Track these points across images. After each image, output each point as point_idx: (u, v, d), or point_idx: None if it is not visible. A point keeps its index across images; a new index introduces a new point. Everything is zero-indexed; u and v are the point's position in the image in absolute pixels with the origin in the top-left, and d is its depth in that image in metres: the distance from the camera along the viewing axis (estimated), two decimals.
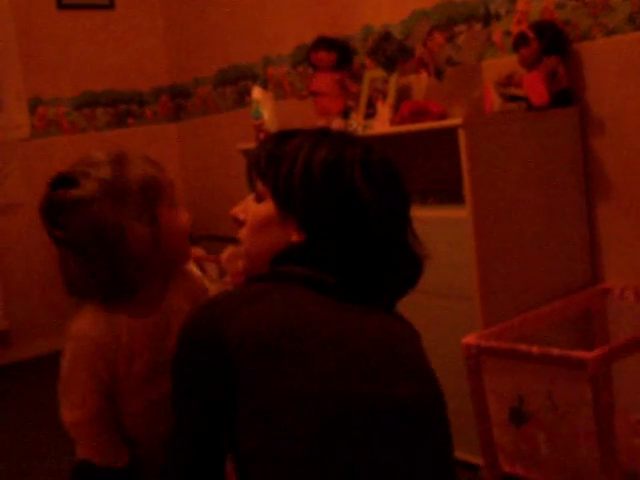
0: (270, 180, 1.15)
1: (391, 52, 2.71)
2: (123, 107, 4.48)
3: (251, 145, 2.94)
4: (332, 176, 1.11)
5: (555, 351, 1.83)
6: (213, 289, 1.77)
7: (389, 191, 1.14)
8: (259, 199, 1.18)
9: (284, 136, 1.19)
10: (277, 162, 1.15)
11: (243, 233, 1.22)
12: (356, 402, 0.99)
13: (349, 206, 1.10)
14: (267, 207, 1.16)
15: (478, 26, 2.69)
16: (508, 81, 2.39)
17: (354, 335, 1.05)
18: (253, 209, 1.19)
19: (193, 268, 1.52)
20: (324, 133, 1.17)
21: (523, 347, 1.90)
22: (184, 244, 1.35)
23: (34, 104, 4.18)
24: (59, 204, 1.32)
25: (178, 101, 4.58)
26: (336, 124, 2.90)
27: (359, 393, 1.00)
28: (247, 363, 1.00)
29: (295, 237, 1.13)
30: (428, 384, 1.11)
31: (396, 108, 2.66)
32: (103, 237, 1.26)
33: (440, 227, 2.22)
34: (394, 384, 1.03)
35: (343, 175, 1.11)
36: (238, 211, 1.23)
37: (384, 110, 2.69)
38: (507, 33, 2.58)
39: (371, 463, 0.97)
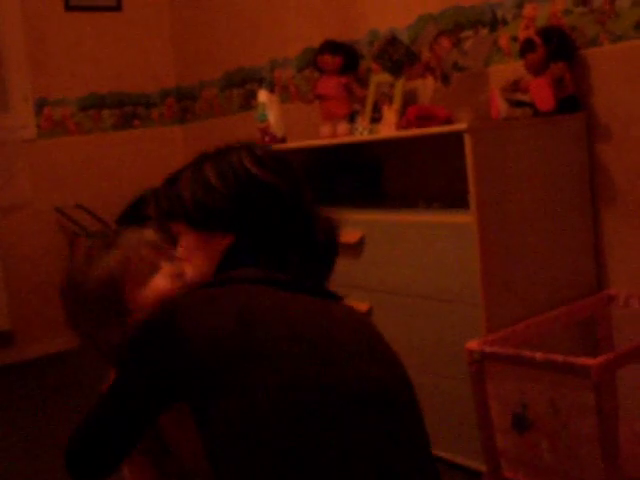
0: (179, 213, 1.25)
1: (397, 56, 2.71)
2: (129, 109, 4.49)
3: None
4: (228, 174, 1.22)
5: (559, 358, 1.83)
6: None
7: (281, 167, 1.25)
8: (178, 241, 1.28)
9: (170, 179, 1.31)
10: (176, 197, 1.26)
11: (187, 274, 1.28)
12: (327, 386, 1.02)
13: (254, 190, 1.21)
14: (188, 240, 1.26)
15: (485, 31, 2.69)
16: (514, 87, 2.39)
17: (317, 320, 1.10)
18: (180, 253, 1.28)
19: None
20: (204, 155, 1.30)
21: (527, 353, 1.89)
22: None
23: (40, 105, 4.19)
24: None
25: (184, 103, 4.58)
26: (341, 128, 2.90)
27: (330, 377, 1.03)
28: (206, 358, 1.04)
29: (226, 242, 1.22)
30: (395, 365, 1.15)
31: (402, 112, 2.66)
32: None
33: (445, 232, 2.21)
34: (363, 366, 1.06)
35: (237, 169, 1.23)
36: (180, 252, 1.29)
37: (390, 114, 2.69)
38: (514, 38, 2.57)
39: (347, 446, 0.99)
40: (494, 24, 2.66)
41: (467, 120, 2.52)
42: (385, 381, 1.08)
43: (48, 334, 4.15)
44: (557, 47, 2.32)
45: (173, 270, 1.32)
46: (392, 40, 2.71)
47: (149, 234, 1.36)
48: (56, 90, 4.24)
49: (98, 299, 1.29)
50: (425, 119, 2.48)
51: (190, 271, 1.25)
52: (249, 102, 3.95)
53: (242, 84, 4.03)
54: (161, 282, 1.31)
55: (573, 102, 2.34)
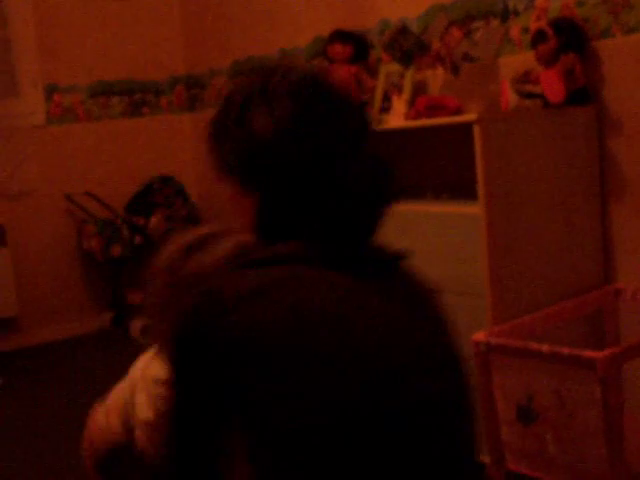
0: (212, 157, 1.08)
1: (407, 46, 2.69)
2: (138, 96, 4.49)
3: None
4: (239, 127, 1.00)
5: (565, 350, 1.82)
6: None
7: (302, 115, 0.98)
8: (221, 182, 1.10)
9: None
10: (209, 141, 1.09)
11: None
12: (382, 412, 0.90)
13: (271, 147, 0.98)
14: (228, 191, 1.07)
15: (496, 22, 2.67)
16: (525, 78, 2.38)
17: (373, 332, 0.93)
18: (230, 207, 1.10)
19: None
20: (242, 88, 1.06)
21: (533, 345, 1.89)
22: None
23: (50, 91, 4.20)
24: None
25: (193, 91, 4.58)
26: None
27: (385, 400, 0.91)
28: (246, 376, 0.88)
29: (253, 200, 1.02)
30: (452, 378, 1.01)
31: (411, 103, 2.65)
32: None
33: (453, 223, 2.21)
34: (417, 385, 0.94)
35: (245, 121, 0.99)
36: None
37: (399, 104, 2.68)
38: (525, 29, 2.56)
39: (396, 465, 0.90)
40: (505, 15, 2.64)
41: (477, 111, 2.50)
42: (436, 400, 0.96)
43: (55, 320, 4.17)
44: (568, 38, 2.31)
45: None
46: (402, 30, 2.70)
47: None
48: (66, 77, 4.25)
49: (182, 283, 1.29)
50: (434, 110, 2.47)
51: (240, 229, 1.08)
52: None
53: (252, 72, 4.02)
54: None
55: (584, 94, 2.33)
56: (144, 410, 1.39)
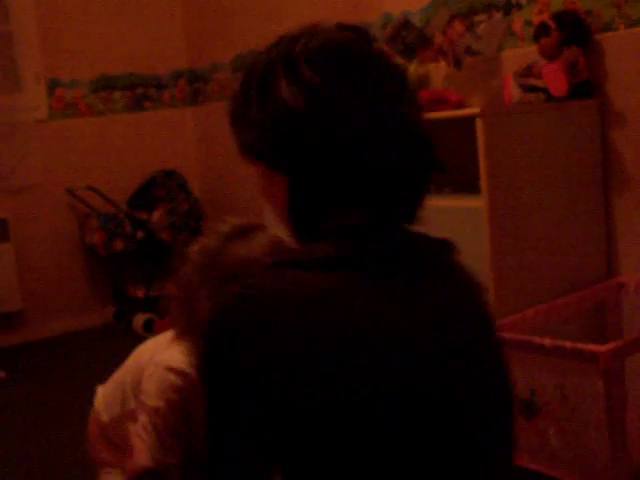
0: (234, 136, 0.97)
1: (410, 40, 2.69)
2: (141, 91, 4.48)
3: None
4: (267, 104, 0.88)
5: (568, 344, 1.82)
6: None
7: (333, 83, 0.86)
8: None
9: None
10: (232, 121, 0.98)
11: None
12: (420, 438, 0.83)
13: (293, 126, 0.86)
14: (258, 173, 0.96)
15: (499, 15, 2.67)
16: (528, 71, 2.37)
17: (427, 364, 0.85)
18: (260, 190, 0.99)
19: None
20: (258, 62, 0.95)
21: (536, 339, 1.89)
22: None
23: (52, 86, 4.20)
24: None
25: (196, 86, 4.57)
26: None
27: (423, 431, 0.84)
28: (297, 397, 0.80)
29: (283, 184, 0.91)
30: (485, 380, 0.92)
31: None
32: None
33: (455, 216, 2.21)
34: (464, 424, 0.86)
35: (276, 100, 0.87)
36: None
37: None
38: (528, 23, 2.55)
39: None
40: (508, 8, 2.64)
41: (479, 105, 2.50)
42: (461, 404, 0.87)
43: (58, 315, 4.17)
44: (571, 32, 2.30)
45: None
46: (405, 23, 2.69)
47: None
48: (68, 71, 4.24)
49: (226, 269, 1.29)
50: (437, 103, 2.47)
51: (274, 212, 0.97)
52: None
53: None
54: None
55: (587, 87, 2.32)
56: (153, 397, 1.39)
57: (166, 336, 1.45)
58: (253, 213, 3.95)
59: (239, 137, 0.95)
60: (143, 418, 1.38)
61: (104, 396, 1.57)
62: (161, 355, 1.40)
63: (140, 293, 4.01)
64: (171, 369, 1.37)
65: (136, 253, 4.00)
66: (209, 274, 1.29)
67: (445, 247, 0.95)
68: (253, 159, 0.94)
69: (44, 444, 2.67)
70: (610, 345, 1.79)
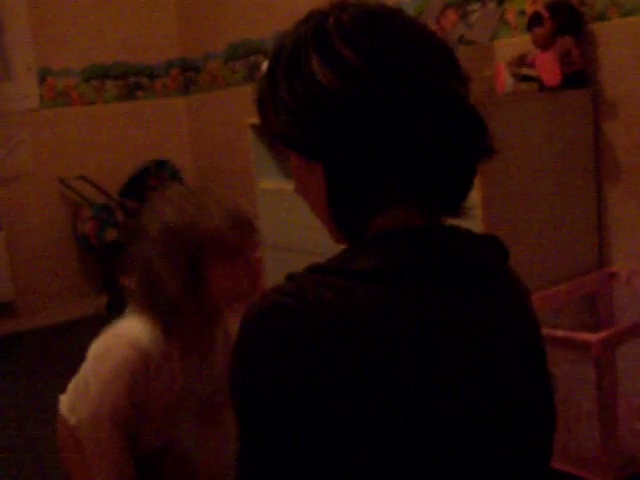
0: (264, 125, 0.89)
1: None
2: (133, 80, 4.46)
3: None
4: (296, 85, 0.80)
5: (560, 333, 1.83)
6: None
7: (373, 58, 0.78)
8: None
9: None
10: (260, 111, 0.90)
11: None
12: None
13: (327, 106, 0.78)
14: (294, 165, 0.87)
15: (492, 5, 2.66)
16: (521, 61, 2.37)
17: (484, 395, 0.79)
18: (295, 184, 0.91)
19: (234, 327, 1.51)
20: (284, 44, 0.85)
21: None
22: (234, 299, 1.33)
23: (43, 75, 4.17)
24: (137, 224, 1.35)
25: (188, 75, 4.55)
26: None
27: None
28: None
29: (320, 172, 0.82)
30: (524, 394, 0.86)
31: None
32: (150, 274, 1.30)
33: None
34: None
35: (306, 79, 0.79)
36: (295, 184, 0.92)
37: None
38: (521, 12, 2.55)
39: None
40: None
41: (472, 94, 2.50)
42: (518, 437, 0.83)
43: (50, 305, 4.16)
44: (565, 21, 2.30)
45: (258, 267, 1.32)
46: (403, 12, 2.68)
47: (250, 212, 1.35)
48: (59, 60, 4.22)
49: (188, 246, 1.27)
50: None
51: (313, 209, 0.87)
52: (253, 74, 3.93)
53: (246, 56, 4.00)
54: (241, 279, 1.30)
55: (580, 77, 2.32)
56: (107, 372, 1.35)
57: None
58: (247, 202, 3.95)
59: (268, 125, 0.86)
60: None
61: (68, 398, 1.50)
62: (120, 329, 1.36)
63: (132, 283, 4.00)
64: (128, 342, 1.33)
65: (128, 243, 3.99)
66: (169, 249, 1.27)
67: (500, 253, 0.88)
68: (286, 148, 0.85)
69: (36, 434, 2.67)
70: (602, 334, 1.79)
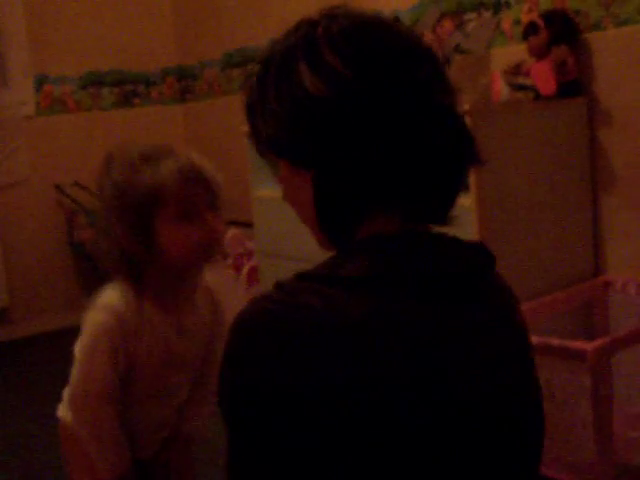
0: (252, 132, 0.89)
1: None
2: (129, 87, 4.47)
3: None
4: (284, 94, 0.81)
5: (555, 341, 1.83)
6: (215, 270, 1.78)
7: (362, 69, 0.78)
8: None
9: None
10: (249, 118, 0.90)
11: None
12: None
13: (316, 113, 0.79)
14: (283, 171, 0.87)
15: (488, 14, 2.67)
16: (516, 70, 2.38)
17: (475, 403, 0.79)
18: (283, 192, 0.91)
19: (212, 280, 1.49)
20: (274, 53, 0.86)
21: None
22: (186, 259, 1.31)
23: (40, 81, 4.17)
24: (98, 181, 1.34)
25: (185, 82, 4.56)
26: None
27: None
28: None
29: (308, 179, 0.82)
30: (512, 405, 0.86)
31: None
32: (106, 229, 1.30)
33: None
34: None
35: (294, 87, 0.80)
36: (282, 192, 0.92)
37: None
38: (517, 22, 2.56)
39: None
40: (497, 7, 2.64)
41: (468, 103, 2.50)
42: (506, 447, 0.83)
43: (45, 311, 4.15)
44: (560, 31, 2.31)
45: (211, 226, 1.30)
46: (394, 21, 2.69)
47: (206, 169, 1.33)
48: (56, 67, 4.22)
49: (135, 202, 1.26)
50: None
51: (301, 216, 0.88)
52: None
53: (243, 64, 4.01)
54: (194, 236, 1.28)
55: (575, 86, 2.33)
56: (85, 338, 1.35)
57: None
58: (243, 209, 3.95)
59: (257, 132, 0.87)
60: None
61: (64, 401, 1.47)
62: (95, 300, 1.35)
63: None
64: (102, 308, 1.32)
65: None
66: (120, 206, 1.27)
67: (487, 260, 0.87)
68: (275, 156, 0.86)
69: (30, 441, 2.66)
70: (597, 343, 1.79)
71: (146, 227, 1.26)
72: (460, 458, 0.78)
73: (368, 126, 0.78)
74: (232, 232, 3.49)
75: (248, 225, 3.32)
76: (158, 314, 1.33)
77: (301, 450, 0.74)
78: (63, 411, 1.45)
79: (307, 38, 0.82)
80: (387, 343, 0.74)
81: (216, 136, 4.31)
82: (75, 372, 1.33)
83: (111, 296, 1.32)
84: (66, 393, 1.43)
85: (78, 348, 1.34)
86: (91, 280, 4.28)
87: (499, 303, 0.88)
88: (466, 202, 2.13)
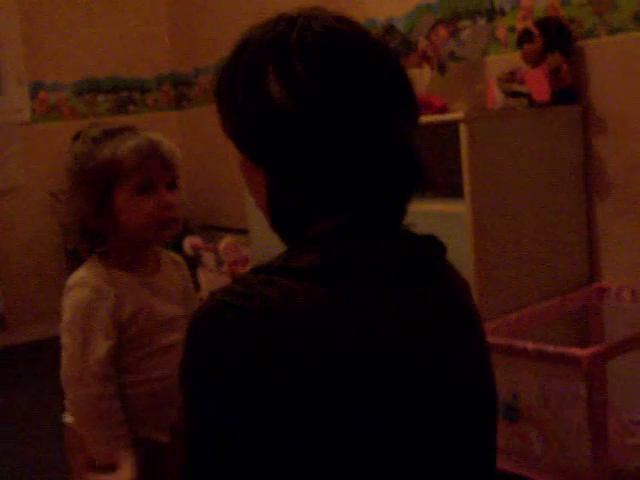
0: (219, 115, 0.92)
1: (394, 45, 2.70)
2: (124, 94, 4.47)
3: None
4: (250, 94, 0.83)
5: (550, 348, 1.83)
6: (210, 278, 1.78)
7: (326, 85, 0.81)
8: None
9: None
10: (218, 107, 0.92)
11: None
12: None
13: (276, 121, 0.82)
14: (240, 161, 0.91)
15: (482, 21, 2.68)
16: (511, 77, 2.38)
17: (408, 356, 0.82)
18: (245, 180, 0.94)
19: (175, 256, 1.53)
20: (245, 46, 0.89)
21: (518, 343, 1.89)
22: (142, 232, 1.34)
23: (35, 88, 4.18)
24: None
25: (180, 89, 4.56)
26: None
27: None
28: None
29: (262, 177, 0.87)
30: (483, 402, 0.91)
31: None
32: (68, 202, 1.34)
33: (438, 221, 2.21)
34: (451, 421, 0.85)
35: (259, 91, 0.83)
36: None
37: None
38: (511, 29, 2.57)
39: None
40: (492, 14, 2.65)
41: (463, 110, 2.51)
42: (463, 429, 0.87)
43: (40, 319, 4.14)
44: (554, 38, 2.32)
45: (166, 201, 1.34)
46: (389, 29, 2.70)
47: (165, 148, 1.38)
48: (51, 74, 4.22)
49: (94, 173, 1.30)
50: (421, 108, 2.48)
51: (253, 196, 0.92)
52: None
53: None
54: (149, 208, 1.32)
55: (569, 93, 2.34)
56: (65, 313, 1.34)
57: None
58: (238, 216, 3.95)
59: (223, 122, 0.90)
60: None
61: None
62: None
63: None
64: (74, 285, 1.32)
65: None
66: (80, 179, 1.31)
67: (437, 248, 0.91)
68: (234, 143, 0.90)
69: (26, 448, 2.65)
70: (592, 349, 1.80)
71: (104, 199, 1.31)
72: (412, 439, 0.80)
73: (325, 141, 0.81)
74: (227, 239, 3.49)
75: (244, 232, 3.32)
76: (129, 278, 1.35)
77: (250, 432, 0.76)
78: (68, 417, 1.44)
79: (280, 39, 0.84)
80: (337, 328, 0.77)
81: (211, 143, 4.31)
82: (65, 356, 1.30)
83: (79, 273, 1.35)
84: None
85: (62, 332, 1.32)
86: None
87: (449, 289, 0.91)
88: (460, 208, 2.13)
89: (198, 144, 4.43)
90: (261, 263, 0.83)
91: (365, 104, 0.82)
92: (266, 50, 0.84)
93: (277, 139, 0.83)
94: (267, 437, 0.76)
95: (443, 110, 2.48)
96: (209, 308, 0.80)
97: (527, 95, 2.31)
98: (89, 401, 1.29)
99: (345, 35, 0.84)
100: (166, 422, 1.41)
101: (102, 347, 1.28)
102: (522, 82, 2.34)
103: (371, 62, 0.84)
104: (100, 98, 4.38)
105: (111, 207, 1.32)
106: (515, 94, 2.34)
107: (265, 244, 2.87)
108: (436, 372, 0.83)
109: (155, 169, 1.35)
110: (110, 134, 1.35)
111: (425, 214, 2.28)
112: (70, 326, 1.30)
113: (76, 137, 1.39)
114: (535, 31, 2.32)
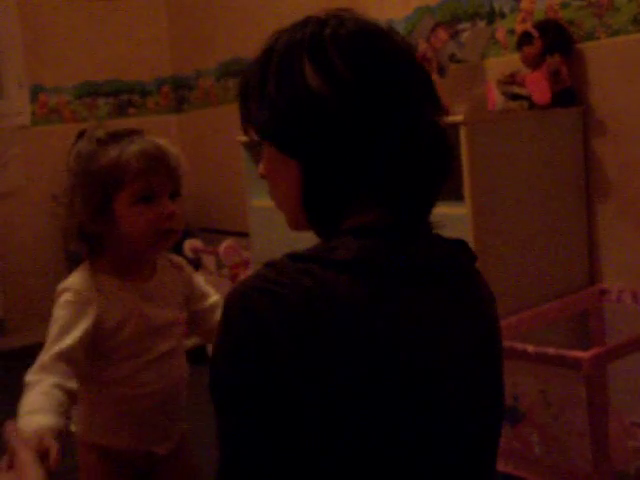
0: (243, 113, 0.93)
1: None
2: (125, 97, 4.47)
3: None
4: (284, 85, 0.85)
5: (551, 350, 1.83)
6: (210, 281, 1.78)
7: (363, 74, 0.83)
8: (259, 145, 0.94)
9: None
10: (243, 98, 0.94)
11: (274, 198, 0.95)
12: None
13: (314, 108, 0.83)
14: (266, 150, 0.91)
15: (482, 24, 2.68)
16: (511, 79, 2.39)
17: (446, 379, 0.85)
18: (261, 169, 0.95)
19: (179, 260, 1.51)
20: (276, 44, 0.92)
21: (519, 346, 1.89)
22: (141, 240, 1.32)
23: (35, 92, 4.18)
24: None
25: (180, 92, 4.57)
26: None
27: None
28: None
29: (296, 170, 0.87)
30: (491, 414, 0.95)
31: None
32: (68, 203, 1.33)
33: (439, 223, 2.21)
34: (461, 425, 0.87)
35: (295, 80, 0.84)
36: (260, 167, 0.95)
37: None
38: (511, 31, 2.57)
39: None
40: (491, 17, 2.65)
41: (463, 112, 2.51)
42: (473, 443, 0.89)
43: (40, 322, 4.13)
44: (554, 40, 2.32)
45: (168, 211, 1.31)
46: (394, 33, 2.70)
47: (172, 156, 1.36)
48: (52, 77, 4.23)
49: (96, 176, 1.28)
50: None
51: (272, 196, 0.94)
52: None
53: (238, 74, 4.01)
54: (150, 218, 1.30)
55: (569, 96, 2.34)
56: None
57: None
58: (238, 219, 3.95)
59: (249, 115, 0.91)
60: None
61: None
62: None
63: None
64: (62, 290, 1.33)
65: None
66: (81, 181, 1.29)
67: (467, 256, 0.94)
68: (261, 138, 0.90)
69: None
70: (593, 351, 1.79)
71: (104, 205, 1.29)
72: (422, 427, 0.82)
73: (362, 129, 0.83)
74: (228, 242, 3.49)
75: (244, 235, 3.32)
76: (120, 284, 1.34)
77: (298, 427, 0.78)
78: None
79: (314, 36, 0.86)
80: (371, 319, 0.79)
81: (212, 146, 4.31)
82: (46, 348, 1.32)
83: (68, 279, 1.35)
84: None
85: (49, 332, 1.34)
86: None
87: (473, 296, 0.94)
88: (460, 210, 2.13)
89: (198, 147, 4.44)
90: (295, 251, 0.84)
91: (401, 91, 0.85)
92: (300, 44, 0.86)
93: (316, 127, 0.83)
94: (300, 424, 0.78)
95: None
96: (241, 294, 0.81)
97: (527, 97, 2.31)
98: (39, 370, 1.32)
99: (376, 30, 0.88)
100: (164, 434, 1.41)
101: (64, 343, 1.29)
102: (522, 84, 2.34)
103: (403, 54, 0.88)
104: (100, 101, 4.39)
105: (111, 213, 1.29)
106: (515, 96, 2.34)
107: (265, 247, 2.87)
108: (451, 376, 0.86)
109: (159, 177, 1.31)
110: (116, 137, 1.32)
111: None
112: (51, 325, 1.33)
113: (80, 136, 1.35)
114: (535, 33, 2.32)
